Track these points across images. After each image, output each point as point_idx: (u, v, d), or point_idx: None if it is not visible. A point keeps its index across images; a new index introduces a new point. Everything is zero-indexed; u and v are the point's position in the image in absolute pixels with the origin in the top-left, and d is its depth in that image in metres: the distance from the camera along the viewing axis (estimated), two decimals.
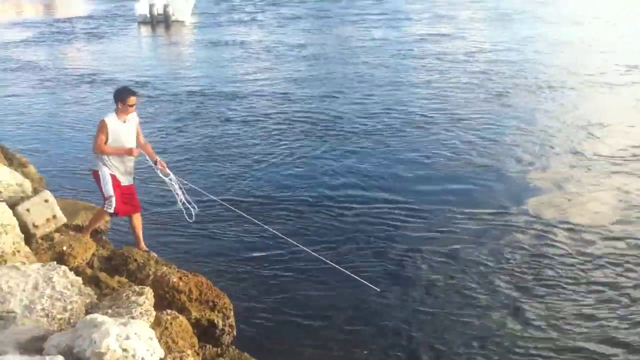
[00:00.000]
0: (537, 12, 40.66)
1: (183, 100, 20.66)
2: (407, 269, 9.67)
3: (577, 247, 10.22)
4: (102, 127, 8.55)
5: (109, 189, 8.66)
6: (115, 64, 27.81)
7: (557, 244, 10.33)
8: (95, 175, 8.78)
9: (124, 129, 8.71)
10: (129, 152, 8.75)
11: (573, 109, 18.04)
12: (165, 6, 42.17)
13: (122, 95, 8.68)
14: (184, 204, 9.12)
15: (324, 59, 27.44)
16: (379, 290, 8.77)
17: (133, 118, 8.89)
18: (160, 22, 42.04)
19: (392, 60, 26.20)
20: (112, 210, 8.75)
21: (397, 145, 15.35)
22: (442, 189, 12.55)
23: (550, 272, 9.48)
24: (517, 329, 8.17)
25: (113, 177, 8.69)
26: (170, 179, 9.08)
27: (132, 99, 8.71)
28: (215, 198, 10.37)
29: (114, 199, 8.68)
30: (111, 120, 8.60)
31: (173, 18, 42.27)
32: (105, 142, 8.59)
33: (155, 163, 9.03)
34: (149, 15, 42.03)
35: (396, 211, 11.49)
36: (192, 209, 9.09)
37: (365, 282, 8.65)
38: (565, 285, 9.11)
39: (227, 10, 47.50)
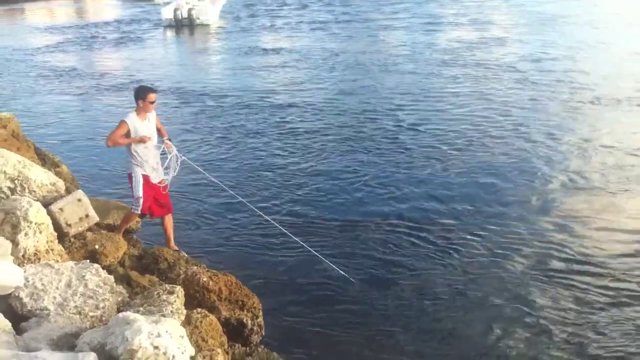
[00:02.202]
0: (582, 15, 39.41)
1: (201, 106, 20.66)
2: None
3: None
4: (121, 125, 8.68)
5: (139, 190, 8.78)
6: (137, 69, 27.94)
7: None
8: (129, 176, 8.90)
9: (146, 127, 8.83)
10: (142, 139, 8.85)
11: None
12: (190, 10, 42.39)
13: (142, 93, 8.78)
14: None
15: (357, 66, 26.68)
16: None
17: (152, 114, 9.00)
18: (186, 25, 42.26)
19: (430, 68, 25.23)
20: (139, 212, 8.87)
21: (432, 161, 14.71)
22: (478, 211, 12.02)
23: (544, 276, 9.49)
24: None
25: (145, 177, 8.80)
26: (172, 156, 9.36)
27: (152, 96, 8.81)
28: (248, 203, 10.45)
29: (141, 200, 8.80)
30: (131, 119, 8.70)
31: (198, 22, 42.44)
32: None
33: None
34: (174, 19, 42.32)
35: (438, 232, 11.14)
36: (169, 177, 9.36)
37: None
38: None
39: (254, 14, 47.49)
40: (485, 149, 15.02)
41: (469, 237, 10.69)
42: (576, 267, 9.69)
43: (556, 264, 9.82)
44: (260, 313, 7.27)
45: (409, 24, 38.48)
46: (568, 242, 10.43)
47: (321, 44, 32.75)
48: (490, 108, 18.75)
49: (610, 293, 8.96)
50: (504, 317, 8.51)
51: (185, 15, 42.28)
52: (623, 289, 9.07)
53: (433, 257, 10.04)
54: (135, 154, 8.74)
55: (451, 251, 10.20)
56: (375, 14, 43.91)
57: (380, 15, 43.02)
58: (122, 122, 8.70)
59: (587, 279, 9.32)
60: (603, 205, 11.75)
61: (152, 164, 8.92)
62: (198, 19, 42.49)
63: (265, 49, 31.73)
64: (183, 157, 9.56)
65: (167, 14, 42.80)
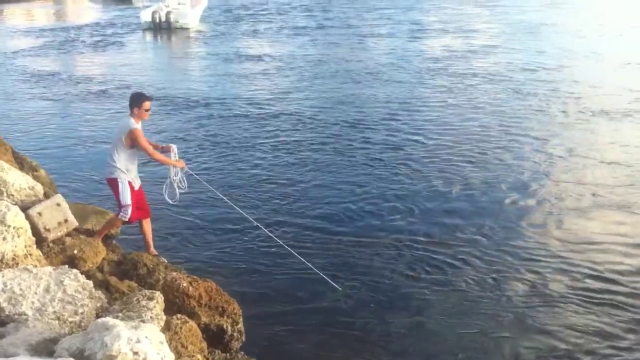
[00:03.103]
0: (566, 24, 39.67)
1: (183, 114, 20.35)
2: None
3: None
4: (140, 134, 8.63)
5: (126, 197, 8.75)
6: (115, 73, 27.60)
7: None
8: (112, 182, 8.82)
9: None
10: (181, 164, 9.24)
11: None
12: (168, 13, 42.29)
13: (138, 101, 8.75)
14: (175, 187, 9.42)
15: (342, 74, 26.21)
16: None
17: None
18: (164, 29, 42.13)
19: (418, 78, 24.96)
20: (127, 219, 8.84)
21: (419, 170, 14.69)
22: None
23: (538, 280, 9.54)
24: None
25: (130, 184, 8.77)
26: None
27: (148, 104, 8.80)
28: (231, 203, 10.42)
29: (130, 209, 8.78)
30: (137, 125, 8.69)
31: (177, 25, 42.32)
32: (132, 147, 8.70)
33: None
34: (152, 22, 42.20)
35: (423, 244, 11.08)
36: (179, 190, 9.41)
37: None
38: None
39: (235, 18, 47.43)
40: (481, 162, 14.91)
41: (462, 250, 10.65)
42: (587, 284, 9.63)
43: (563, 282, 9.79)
44: (241, 319, 7.26)
45: (393, 32, 38.46)
46: (574, 258, 10.36)
47: (304, 50, 32.58)
48: (483, 118, 18.68)
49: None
50: (500, 332, 8.50)
51: (163, 18, 42.15)
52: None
53: (422, 270, 10.01)
54: (121, 160, 8.70)
55: (440, 264, 10.15)
56: (357, 21, 44.04)
57: (362, 22, 43.11)
58: (137, 130, 8.66)
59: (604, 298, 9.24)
60: (615, 222, 11.65)
61: (135, 171, 8.92)
62: (177, 22, 42.36)
63: (246, 55, 31.49)
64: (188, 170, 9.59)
65: (145, 17, 42.67)
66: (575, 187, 13.23)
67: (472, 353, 8.03)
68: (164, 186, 9.44)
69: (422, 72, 25.90)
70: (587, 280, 9.59)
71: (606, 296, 9.14)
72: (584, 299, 9.09)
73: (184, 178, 9.45)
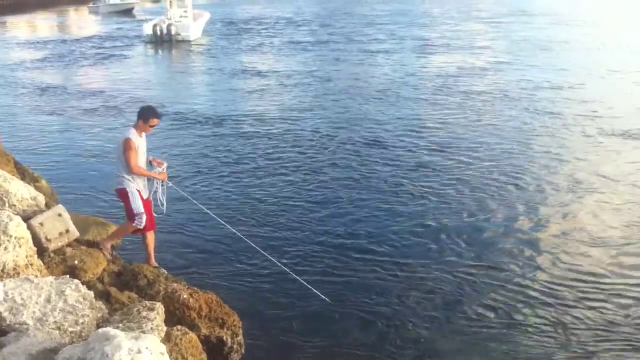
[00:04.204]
0: (571, 41, 39.17)
1: (184, 130, 20.07)
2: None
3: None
4: (131, 146, 8.67)
5: (139, 206, 8.79)
6: (116, 88, 27.57)
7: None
8: (122, 193, 8.85)
9: (142, 144, 8.90)
10: (162, 176, 9.05)
11: None
12: (169, 26, 42.46)
13: (146, 115, 8.83)
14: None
15: (346, 92, 25.75)
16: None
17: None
18: (166, 41, 42.31)
19: (425, 96, 24.50)
20: (142, 227, 8.89)
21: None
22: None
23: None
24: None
25: (139, 192, 8.82)
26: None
27: (155, 121, 8.90)
28: (224, 223, 10.43)
29: (144, 216, 8.83)
30: (133, 136, 8.73)
31: (179, 38, 42.52)
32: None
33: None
34: (153, 35, 42.39)
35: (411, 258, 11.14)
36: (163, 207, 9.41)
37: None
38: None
39: (237, 31, 47.60)
40: (497, 183, 14.62)
41: (453, 265, 10.73)
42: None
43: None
44: (240, 331, 7.27)
45: (397, 48, 38.25)
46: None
47: (308, 66, 32.38)
48: (498, 138, 18.37)
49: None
50: (494, 341, 8.62)
51: (165, 31, 42.32)
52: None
53: (416, 284, 10.10)
54: (127, 170, 8.75)
55: (434, 279, 10.24)
56: (359, 36, 44.08)
57: (364, 37, 43.10)
58: (129, 141, 8.70)
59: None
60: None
61: (143, 181, 8.96)
62: (179, 35, 42.57)
63: (249, 70, 31.43)
64: (170, 184, 9.59)
65: (147, 29, 42.90)
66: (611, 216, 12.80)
67: None
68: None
69: (431, 90, 25.54)
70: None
71: None
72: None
73: (164, 193, 9.47)
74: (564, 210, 12.94)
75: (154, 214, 9.39)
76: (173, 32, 42.36)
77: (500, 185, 14.35)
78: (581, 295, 9.70)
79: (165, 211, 9.46)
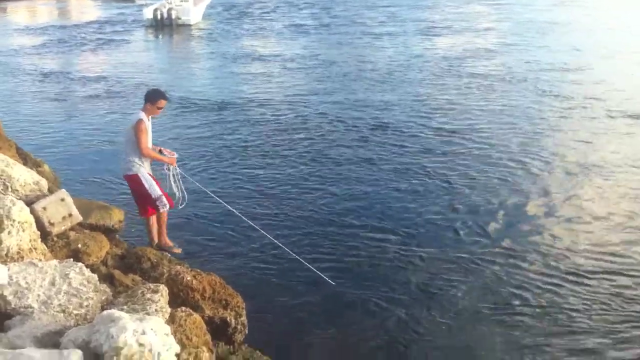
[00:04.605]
0: (576, 22, 38.78)
1: (188, 114, 20.15)
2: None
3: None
4: (144, 128, 8.73)
5: (156, 189, 8.89)
6: (117, 73, 27.41)
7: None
8: (133, 179, 8.87)
9: (150, 128, 8.92)
10: (171, 161, 9.21)
11: None
12: (170, 10, 42.28)
13: (154, 97, 8.88)
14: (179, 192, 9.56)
15: (352, 74, 25.51)
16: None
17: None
18: (167, 26, 42.11)
19: (434, 78, 24.23)
20: (167, 208, 8.98)
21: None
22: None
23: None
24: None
25: (151, 175, 8.89)
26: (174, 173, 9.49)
27: (163, 102, 8.93)
28: (227, 205, 10.45)
29: (164, 198, 8.95)
30: (145, 118, 8.75)
31: (179, 22, 42.31)
32: None
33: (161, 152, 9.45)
34: (154, 20, 42.25)
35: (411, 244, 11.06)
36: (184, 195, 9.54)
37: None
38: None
39: (239, 15, 47.30)
40: (508, 167, 14.50)
41: (458, 246, 10.77)
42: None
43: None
44: (244, 312, 7.31)
45: (400, 30, 37.76)
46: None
47: (311, 50, 32.03)
48: (508, 120, 18.21)
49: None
50: (495, 325, 8.63)
51: (165, 15, 42.15)
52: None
53: (418, 267, 10.11)
54: (137, 154, 8.78)
55: (438, 261, 10.25)
56: (362, 19, 43.55)
57: (367, 20, 42.62)
58: (141, 122, 8.75)
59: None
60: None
61: (149, 165, 9.00)
62: (179, 19, 42.34)
63: (252, 54, 31.13)
64: (178, 170, 9.63)
65: (147, 14, 42.74)
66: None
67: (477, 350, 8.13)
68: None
69: (437, 73, 25.27)
70: None
71: None
72: None
73: (178, 180, 9.53)
74: (577, 193, 12.85)
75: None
76: (173, 17, 42.14)
77: (511, 169, 14.25)
78: (598, 274, 9.72)
79: (182, 201, 9.55)
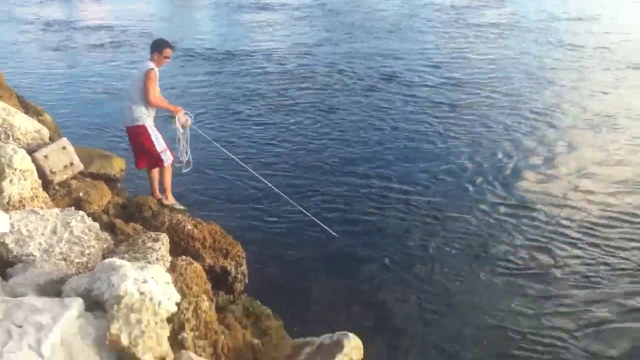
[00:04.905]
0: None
1: (198, 68, 19.89)
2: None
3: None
4: (153, 77, 8.63)
5: (161, 142, 8.85)
6: (118, 22, 27.12)
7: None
8: (138, 130, 8.80)
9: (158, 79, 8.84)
10: (176, 109, 9.02)
11: None
12: None
13: (160, 46, 8.79)
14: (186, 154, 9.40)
15: (372, 29, 24.45)
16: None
17: None
18: None
19: (444, 29, 23.63)
20: (170, 161, 8.95)
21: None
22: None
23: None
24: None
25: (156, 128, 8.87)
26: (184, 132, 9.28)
27: (169, 51, 8.85)
28: (230, 154, 10.40)
29: (168, 151, 8.91)
30: (155, 68, 8.66)
31: None
32: None
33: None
34: None
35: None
36: (190, 159, 9.39)
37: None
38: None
39: None
40: (514, 118, 14.38)
41: (460, 217, 10.54)
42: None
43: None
44: (244, 262, 7.37)
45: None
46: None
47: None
48: (512, 71, 17.94)
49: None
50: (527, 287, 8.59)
51: None
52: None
53: (421, 228, 10.06)
54: (144, 105, 8.70)
55: (440, 228, 10.08)
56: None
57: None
58: (152, 71, 8.64)
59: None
60: None
61: (154, 116, 8.95)
62: None
63: (255, 2, 30.66)
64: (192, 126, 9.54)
65: None
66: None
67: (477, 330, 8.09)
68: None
69: (445, 22, 24.89)
70: None
71: None
72: None
73: (186, 142, 9.40)
74: (598, 146, 12.73)
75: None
76: None
77: (527, 122, 14.10)
78: (619, 236, 9.61)
79: (186, 165, 9.42)
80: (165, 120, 9.87)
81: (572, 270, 8.75)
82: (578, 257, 9.03)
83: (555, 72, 17.84)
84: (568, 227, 9.81)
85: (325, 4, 29.96)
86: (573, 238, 9.51)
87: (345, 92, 16.61)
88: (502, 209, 10.42)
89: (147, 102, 8.68)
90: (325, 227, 9.19)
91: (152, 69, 8.63)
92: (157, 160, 9.01)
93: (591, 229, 9.74)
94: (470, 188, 11.22)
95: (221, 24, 26.86)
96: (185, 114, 9.30)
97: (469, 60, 19.36)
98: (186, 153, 9.40)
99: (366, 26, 24.89)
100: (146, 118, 8.74)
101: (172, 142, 9.32)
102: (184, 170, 9.52)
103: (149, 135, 8.79)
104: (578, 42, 20.97)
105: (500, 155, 12.50)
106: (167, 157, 8.99)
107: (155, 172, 9.37)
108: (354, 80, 17.57)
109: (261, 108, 15.43)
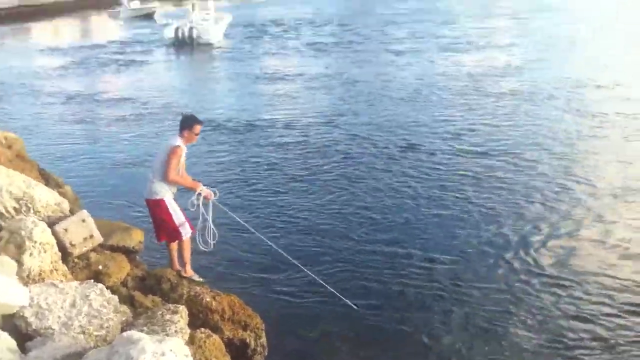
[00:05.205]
0: (606, 35, 37.96)
1: (214, 137, 19.85)
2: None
3: None
4: (178, 154, 8.51)
5: (180, 216, 8.74)
6: (139, 94, 27.43)
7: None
8: (157, 203, 8.74)
9: (184, 156, 8.83)
10: (195, 186, 8.93)
11: None
12: (191, 29, 42.68)
13: (191, 123, 8.71)
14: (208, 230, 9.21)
15: (382, 96, 24.74)
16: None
17: None
18: (188, 45, 42.57)
19: (462, 98, 23.56)
20: (189, 235, 8.86)
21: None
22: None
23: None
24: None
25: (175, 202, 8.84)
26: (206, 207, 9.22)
27: (198, 128, 8.76)
28: (247, 225, 10.38)
29: (187, 224, 8.80)
30: (182, 146, 8.65)
31: (201, 41, 42.65)
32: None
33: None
34: (175, 39, 42.75)
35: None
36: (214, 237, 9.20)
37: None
38: None
39: (260, 34, 47.36)
40: (537, 188, 14.09)
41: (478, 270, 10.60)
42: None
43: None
44: (263, 333, 7.32)
45: (421, 48, 37.21)
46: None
47: (334, 69, 31.65)
48: (534, 140, 17.73)
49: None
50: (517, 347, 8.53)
51: (187, 34, 42.59)
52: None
53: (444, 299, 9.85)
54: (167, 184, 8.68)
55: (464, 300, 9.84)
56: (381, 36, 43.43)
57: (386, 38, 42.40)
58: (178, 148, 8.53)
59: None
60: None
61: (174, 191, 8.89)
62: (200, 38, 42.71)
63: (275, 74, 30.87)
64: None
65: (168, 33, 43.21)
66: None
67: None
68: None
69: (463, 91, 24.72)
70: None
71: None
72: None
73: (208, 214, 9.17)
74: (623, 217, 12.45)
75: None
76: (195, 36, 42.57)
77: (550, 193, 13.77)
78: None
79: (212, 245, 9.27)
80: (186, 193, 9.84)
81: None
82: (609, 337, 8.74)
83: (575, 141, 17.66)
84: (598, 303, 9.54)
85: (342, 73, 30.29)
86: (607, 314, 9.23)
87: (365, 162, 16.55)
88: (530, 283, 10.15)
89: (160, 177, 8.64)
90: (345, 299, 9.07)
91: (179, 146, 8.54)
92: (175, 234, 8.95)
93: (629, 304, 9.44)
94: (495, 258, 11.00)
95: (240, 94, 27.16)
96: (209, 188, 9.25)
97: (489, 130, 19.18)
98: (213, 235, 9.19)
99: (385, 95, 24.97)
100: (166, 192, 8.64)
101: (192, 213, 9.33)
102: (211, 247, 9.34)
103: (167, 209, 8.74)
104: (600, 110, 20.75)
105: (528, 227, 12.18)
106: (186, 231, 8.89)
107: (175, 244, 9.33)
108: (375, 150, 17.50)
109: (281, 178, 15.40)
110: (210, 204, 9.13)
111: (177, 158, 8.52)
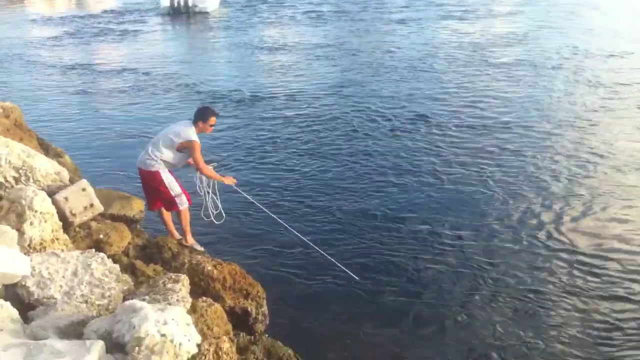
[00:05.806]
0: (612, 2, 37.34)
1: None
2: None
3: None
4: (198, 148, 8.78)
5: (175, 186, 8.92)
6: (136, 64, 27.12)
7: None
8: (151, 175, 8.87)
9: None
10: (228, 179, 9.38)
11: None
12: None
13: (205, 116, 8.89)
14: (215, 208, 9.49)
15: (385, 67, 24.41)
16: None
17: None
18: (184, 13, 42.21)
19: (464, 68, 23.32)
20: (186, 205, 9.01)
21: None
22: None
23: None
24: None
25: (171, 172, 8.93)
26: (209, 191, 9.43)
27: (214, 120, 9.00)
28: (247, 196, 10.36)
29: (183, 195, 9.03)
30: (196, 138, 8.81)
31: (196, 9, 42.31)
32: (181, 151, 8.88)
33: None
34: (170, 7, 42.40)
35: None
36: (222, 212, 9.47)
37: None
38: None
39: (257, 1, 46.90)
40: (547, 163, 13.98)
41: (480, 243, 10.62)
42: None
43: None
44: (264, 302, 7.32)
45: (420, 17, 36.66)
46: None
47: (333, 39, 31.20)
48: (542, 113, 17.52)
49: None
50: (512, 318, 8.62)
51: (182, 2, 42.24)
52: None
53: (441, 262, 10.02)
54: (166, 158, 8.78)
55: (470, 276, 9.80)
56: (384, 4, 42.84)
57: (384, 7, 41.90)
58: (197, 143, 8.79)
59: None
60: None
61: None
62: (196, 6, 42.34)
63: (273, 44, 30.48)
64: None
65: (164, 2, 42.84)
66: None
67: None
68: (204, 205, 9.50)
69: (467, 62, 24.41)
70: None
71: None
72: None
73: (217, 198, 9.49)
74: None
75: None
76: (190, 4, 42.19)
77: (574, 168, 13.64)
78: None
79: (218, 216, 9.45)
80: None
81: None
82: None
83: (584, 113, 17.43)
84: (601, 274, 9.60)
85: (342, 43, 29.96)
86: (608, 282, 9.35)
87: (370, 134, 16.39)
88: (545, 257, 10.14)
89: (169, 157, 8.81)
90: (346, 269, 9.08)
91: (197, 141, 8.76)
92: (172, 204, 9.09)
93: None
94: (505, 234, 10.95)
95: (240, 65, 26.88)
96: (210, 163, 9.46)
97: (493, 101, 18.99)
98: (215, 205, 9.47)
99: (389, 66, 24.62)
100: (161, 166, 8.82)
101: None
102: (216, 222, 9.53)
103: (162, 181, 8.86)
104: (608, 80, 20.61)
105: (554, 203, 12.03)
106: (182, 201, 9.04)
107: (169, 213, 9.43)
108: (385, 123, 17.28)
109: (284, 152, 15.28)
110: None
111: (199, 150, 8.81)
